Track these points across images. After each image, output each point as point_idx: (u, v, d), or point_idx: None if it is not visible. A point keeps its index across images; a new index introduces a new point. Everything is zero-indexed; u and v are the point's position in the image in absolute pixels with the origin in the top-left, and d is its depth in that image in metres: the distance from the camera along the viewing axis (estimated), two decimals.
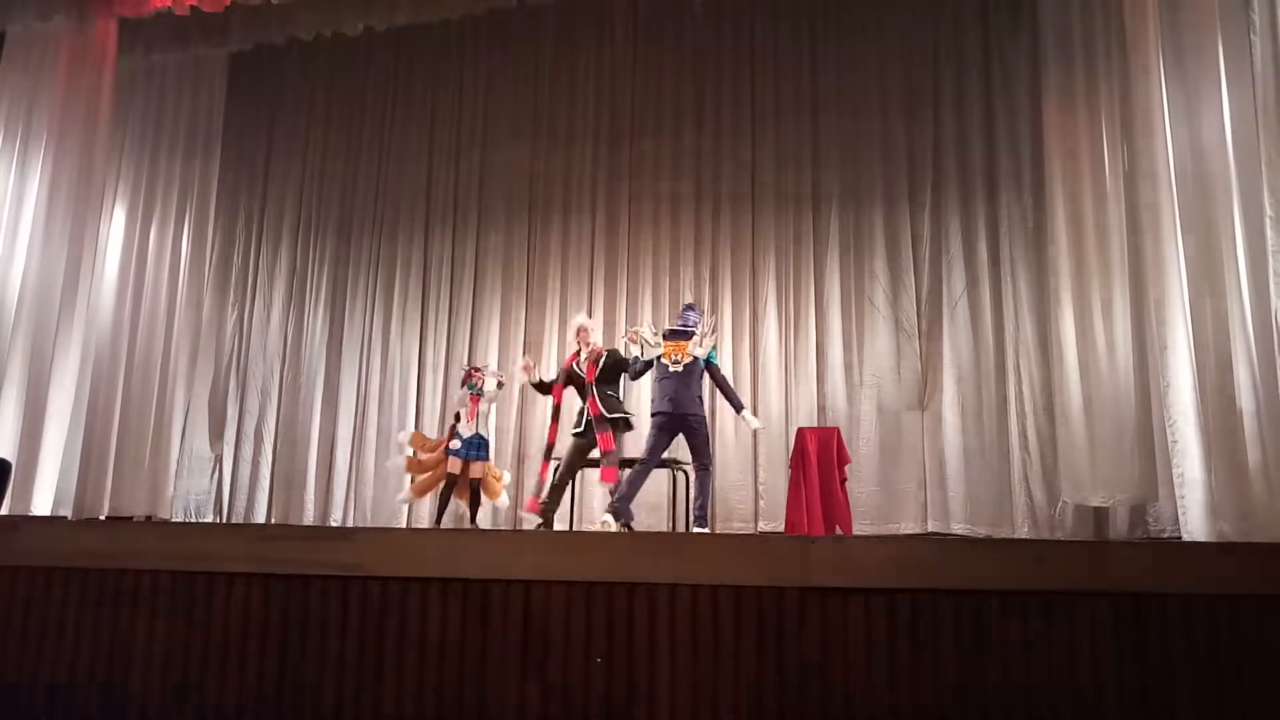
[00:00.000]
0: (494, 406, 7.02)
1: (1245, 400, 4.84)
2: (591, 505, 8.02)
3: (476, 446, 6.62)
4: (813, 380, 7.96)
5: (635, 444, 6.50)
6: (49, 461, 7.25)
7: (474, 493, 6.69)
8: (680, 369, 5.95)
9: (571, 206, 8.89)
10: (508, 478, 7.25)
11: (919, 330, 7.85)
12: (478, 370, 6.90)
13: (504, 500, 6.96)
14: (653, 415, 6.09)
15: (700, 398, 6.11)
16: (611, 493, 6.10)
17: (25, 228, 7.50)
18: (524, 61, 9.23)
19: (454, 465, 6.58)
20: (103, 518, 8.11)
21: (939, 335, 7.80)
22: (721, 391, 6.41)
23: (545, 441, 6.59)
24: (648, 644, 3.50)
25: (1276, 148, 4.66)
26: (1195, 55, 5.34)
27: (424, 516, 8.50)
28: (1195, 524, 5.06)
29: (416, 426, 8.71)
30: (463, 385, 6.91)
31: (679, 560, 3.71)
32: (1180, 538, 5.20)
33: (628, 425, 6.40)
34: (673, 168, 8.69)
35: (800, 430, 7.08)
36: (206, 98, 9.41)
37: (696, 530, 5.97)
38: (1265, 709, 2.97)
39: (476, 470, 6.63)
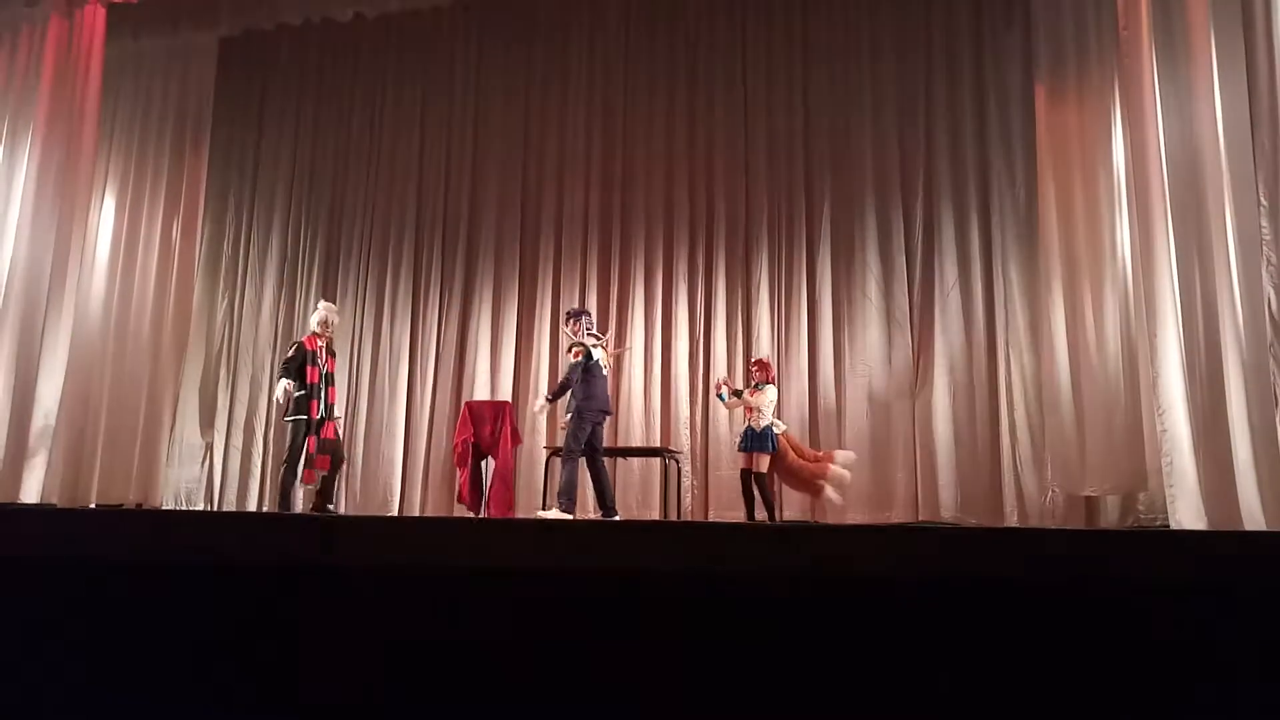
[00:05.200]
0: (770, 403, 6.83)
1: (1235, 390, 4.86)
2: (586, 492, 8.04)
3: (747, 437, 6.71)
4: (804, 369, 7.96)
5: None
6: (38, 449, 7.21)
7: (759, 486, 6.71)
8: None
9: (565, 194, 8.87)
10: (838, 464, 6.75)
11: (910, 320, 7.86)
12: (759, 364, 6.98)
13: (833, 497, 6.67)
14: None
15: None
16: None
17: (13, 214, 7.45)
18: (515, 47, 9.18)
19: (740, 460, 6.83)
20: (92, 506, 8.08)
21: (930, 325, 7.81)
22: None
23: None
24: (645, 631, 3.51)
25: (1268, 137, 4.67)
26: (1188, 45, 5.34)
27: (415, 505, 8.52)
28: (1184, 512, 5.09)
29: (406, 412, 8.72)
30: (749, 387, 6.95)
31: (663, 547, 3.71)
32: (1169, 526, 5.23)
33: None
34: (666, 157, 8.67)
35: (468, 404, 7.39)
36: (196, 83, 9.35)
37: None
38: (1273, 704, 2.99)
39: (758, 463, 6.66)
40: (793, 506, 7.55)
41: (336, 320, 7.06)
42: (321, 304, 7.03)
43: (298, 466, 6.54)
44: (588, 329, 6.61)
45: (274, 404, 6.87)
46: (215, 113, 9.42)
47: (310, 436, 6.51)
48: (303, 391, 6.50)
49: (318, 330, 6.72)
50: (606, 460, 7.96)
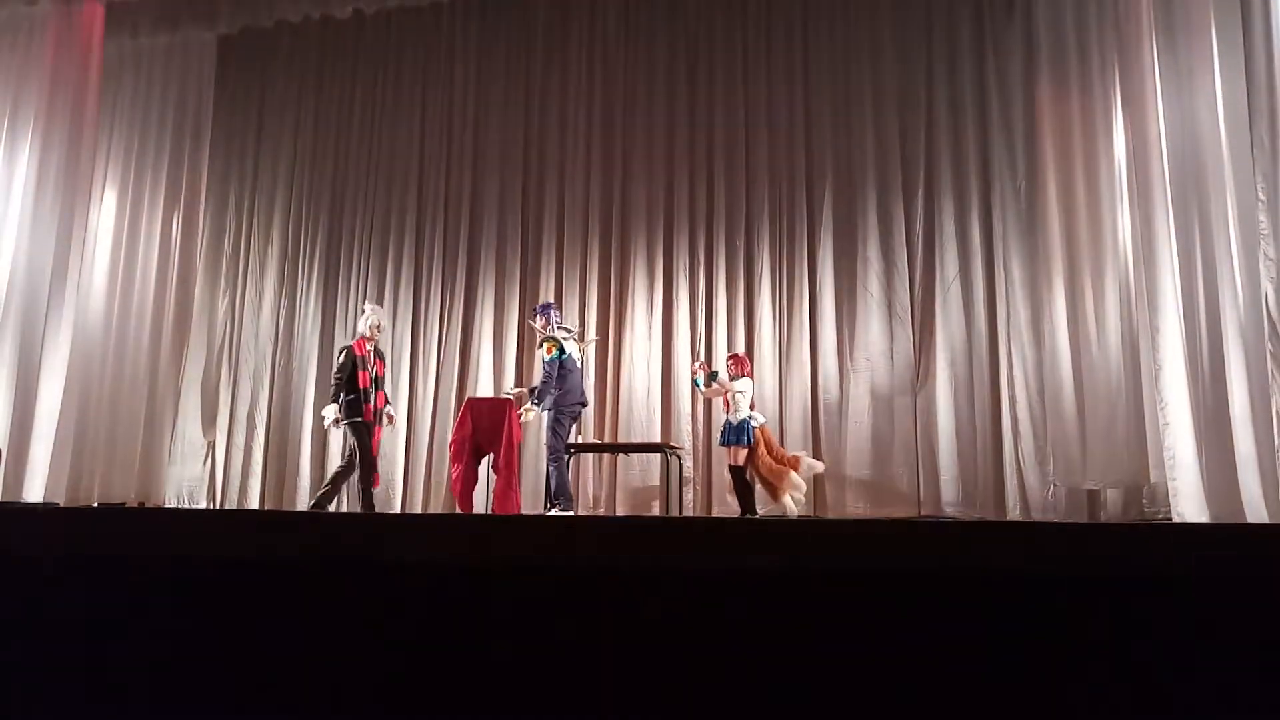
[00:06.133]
0: (745, 395, 6.80)
1: (1237, 382, 4.86)
2: (586, 491, 8.06)
3: (726, 431, 6.77)
4: (806, 364, 7.96)
5: None
6: (40, 448, 7.23)
7: (735, 478, 6.76)
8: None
9: (565, 190, 8.85)
10: (801, 472, 6.72)
11: (912, 314, 7.85)
12: (734, 359, 7.04)
13: (792, 503, 6.58)
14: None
15: None
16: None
17: (14, 213, 7.46)
18: (515, 42, 9.16)
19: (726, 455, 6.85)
20: (95, 505, 8.10)
21: (932, 319, 7.80)
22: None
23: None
24: (646, 630, 3.51)
25: (1267, 131, 4.66)
26: (1188, 38, 5.34)
27: (416, 501, 8.52)
28: (1186, 506, 5.09)
29: (409, 409, 8.70)
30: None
31: (668, 545, 3.71)
32: (1172, 519, 5.23)
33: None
34: (666, 152, 8.65)
35: (470, 400, 7.25)
36: (195, 81, 9.35)
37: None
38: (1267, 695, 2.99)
39: (736, 456, 6.71)
40: (778, 510, 7.59)
41: (385, 324, 7.12)
42: (369, 307, 6.98)
43: (369, 468, 6.58)
44: (558, 323, 6.61)
45: (321, 420, 6.90)
46: (215, 110, 9.43)
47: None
48: (353, 395, 6.51)
49: (366, 334, 6.71)
50: (606, 456, 8.00)
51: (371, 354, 6.66)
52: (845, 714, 3.28)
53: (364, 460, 6.52)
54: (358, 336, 6.78)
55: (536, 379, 6.92)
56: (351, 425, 6.51)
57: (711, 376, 6.95)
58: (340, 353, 6.76)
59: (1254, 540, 3.60)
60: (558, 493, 6.28)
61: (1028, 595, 3.30)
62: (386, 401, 6.86)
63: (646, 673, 3.48)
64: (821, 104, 8.37)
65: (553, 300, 7.89)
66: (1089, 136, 6.81)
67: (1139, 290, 5.84)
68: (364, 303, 8.29)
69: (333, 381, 6.67)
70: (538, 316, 6.76)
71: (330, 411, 6.55)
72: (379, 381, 6.68)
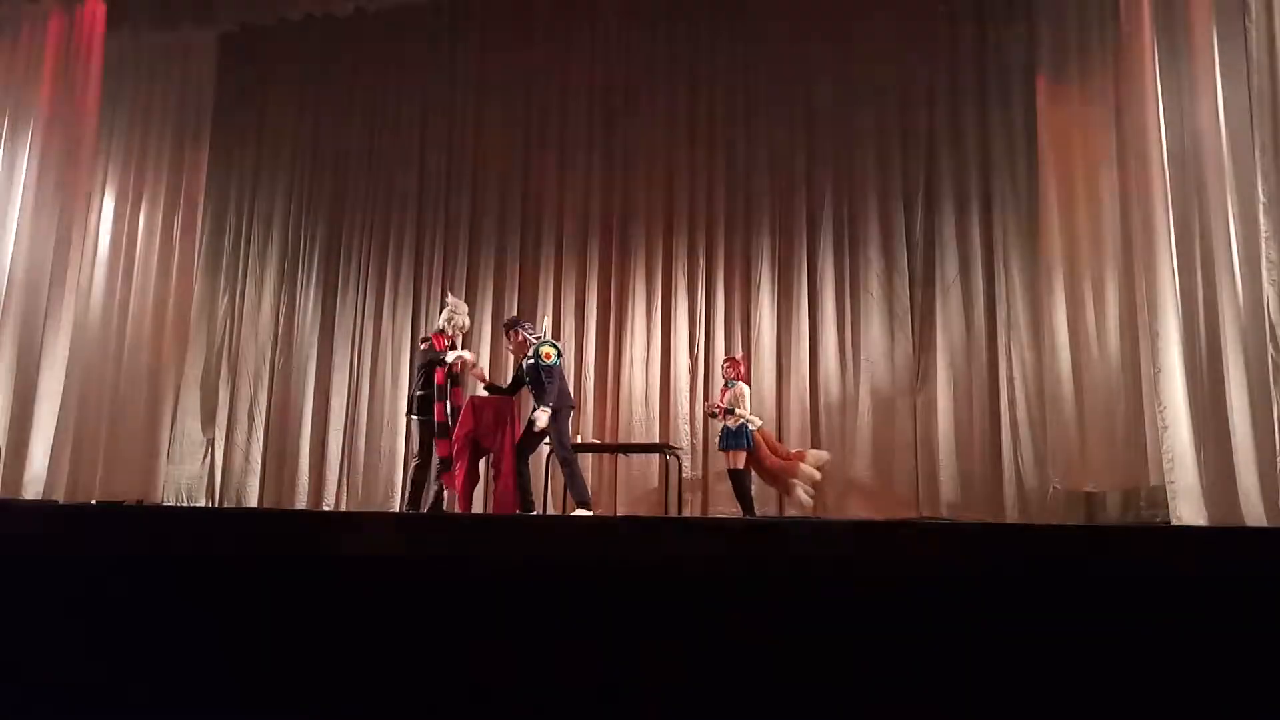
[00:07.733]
0: (743, 400, 6.88)
1: (1236, 386, 4.85)
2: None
3: (724, 436, 6.87)
4: (805, 364, 7.96)
5: None
6: (39, 445, 7.22)
7: (735, 482, 6.84)
8: None
9: (565, 189, 8.85)
10: (809, 463, 6.88)
11: (912, 315, 7.85)
12: (730, 362, 7.13)
13: (805, 495, 6.74)
14: None
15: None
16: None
17: (14, 210, 7.44)
18: (516, 41, 9.15)
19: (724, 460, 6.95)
20: (94, 502, 8.09)
21: (932, 320, 7.80)
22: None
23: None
24: (645, 628, 3.51)
25: (1270, 134, 4.65)
26: (1190, 41, 5.33)
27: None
28: (1185, 509, 5.08)
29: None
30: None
31: (662, 544, 3.71)
32: (1170, 522, 5.23)
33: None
34: (666, 151, 8.65)
35: (471, 399, 6.99)
36: (195, 79, 9.34)
37: None
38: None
39: (736, 460, 6.81)
40: (793, 504, 7.57)
41: (466, 321, 6.86)
42: (451, 299, 6.83)
43: (426, 468, 6.41)
44: (531, 332, 6.50)
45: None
46: (215, 109, 9.42)
47: (441, 440, 6.30)
48: (424, 392, 6.38)
49: (447, 331, 6.54)
50: (605, 457, 8.00)
51: (450, 350, 6.50)
52: (844, 713, 3.27)
53: (421, 456, 6.40)
54: (434, 331, 6.64)
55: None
56: (420, 423, 6.40)
57: (729, 412, 6.91)
58: (423, 341, 6.65)
59: (1252, 544, 3.60)
60: (580, 500, 6.20)
61: (1025, 596, 3.30)
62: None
63: (645, 671, 3.48)
64: (822, 105, 8.36)
65: (515, 314, 7.84)
66: (1089, 138, 6.80)
67: (1139, 293, 5.84)
68: (365, 301, 8.23)
69: (417, 373, 6.53)
70: (515, 333, 6.55)
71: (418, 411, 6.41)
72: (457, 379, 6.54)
